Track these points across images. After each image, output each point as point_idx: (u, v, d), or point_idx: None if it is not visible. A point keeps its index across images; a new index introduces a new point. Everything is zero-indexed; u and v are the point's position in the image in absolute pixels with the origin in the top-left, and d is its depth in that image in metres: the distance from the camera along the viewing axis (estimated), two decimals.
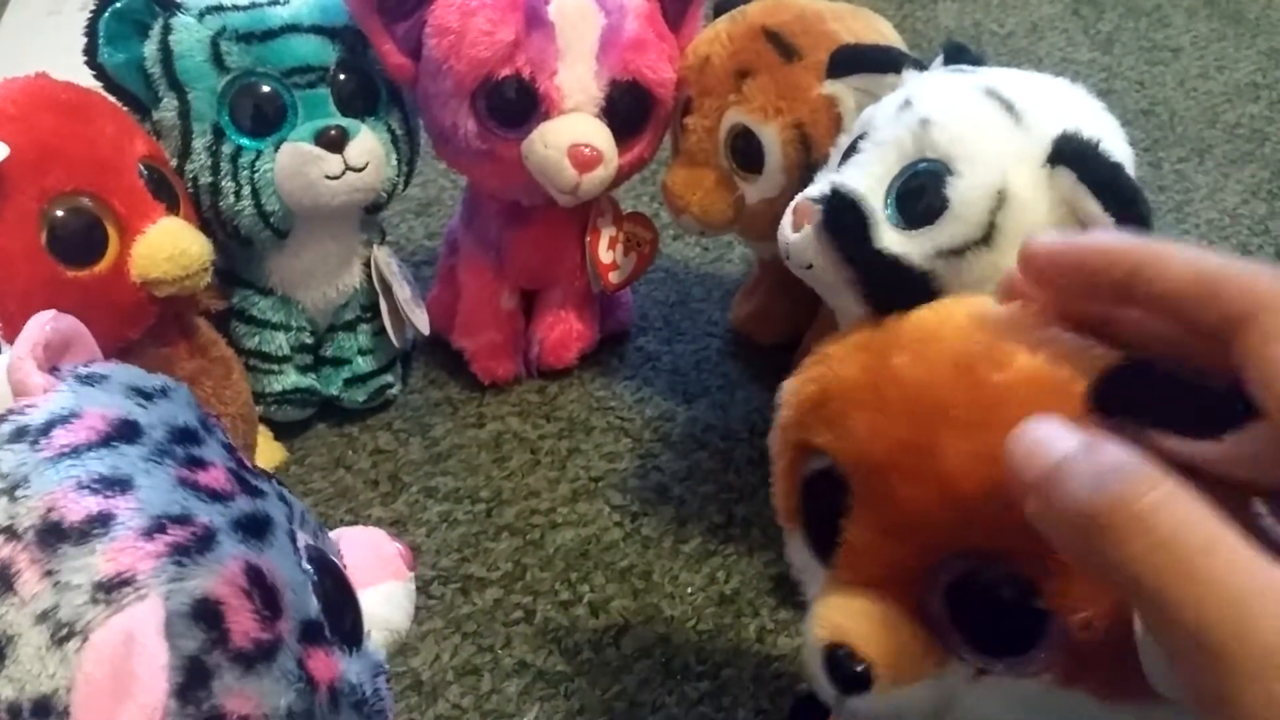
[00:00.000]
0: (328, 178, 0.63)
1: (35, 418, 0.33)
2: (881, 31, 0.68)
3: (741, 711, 0.57)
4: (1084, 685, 0.34)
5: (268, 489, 0.36)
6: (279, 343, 0.71)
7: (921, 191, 0.52)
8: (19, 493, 0.31)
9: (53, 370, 0.36)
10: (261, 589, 0.31)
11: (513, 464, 0.73)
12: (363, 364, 0.75)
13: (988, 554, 0.34)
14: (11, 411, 0.34)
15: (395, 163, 0.68)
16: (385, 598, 0.40)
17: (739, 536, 0.67)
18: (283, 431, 0.74)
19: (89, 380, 0.35)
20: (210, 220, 0.64)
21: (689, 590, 0.64)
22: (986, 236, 0.51)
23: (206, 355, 0.64)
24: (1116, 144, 0.51)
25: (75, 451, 0.32)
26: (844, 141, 0.58)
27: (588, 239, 0.76)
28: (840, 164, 0.56)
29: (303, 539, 0.36)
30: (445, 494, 0.70)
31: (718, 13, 0.71)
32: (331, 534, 0.40)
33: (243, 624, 0.30)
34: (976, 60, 0.59)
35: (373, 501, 0.70)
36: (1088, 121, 0.51)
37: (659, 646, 0.60)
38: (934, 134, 0.52)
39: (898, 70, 0.59)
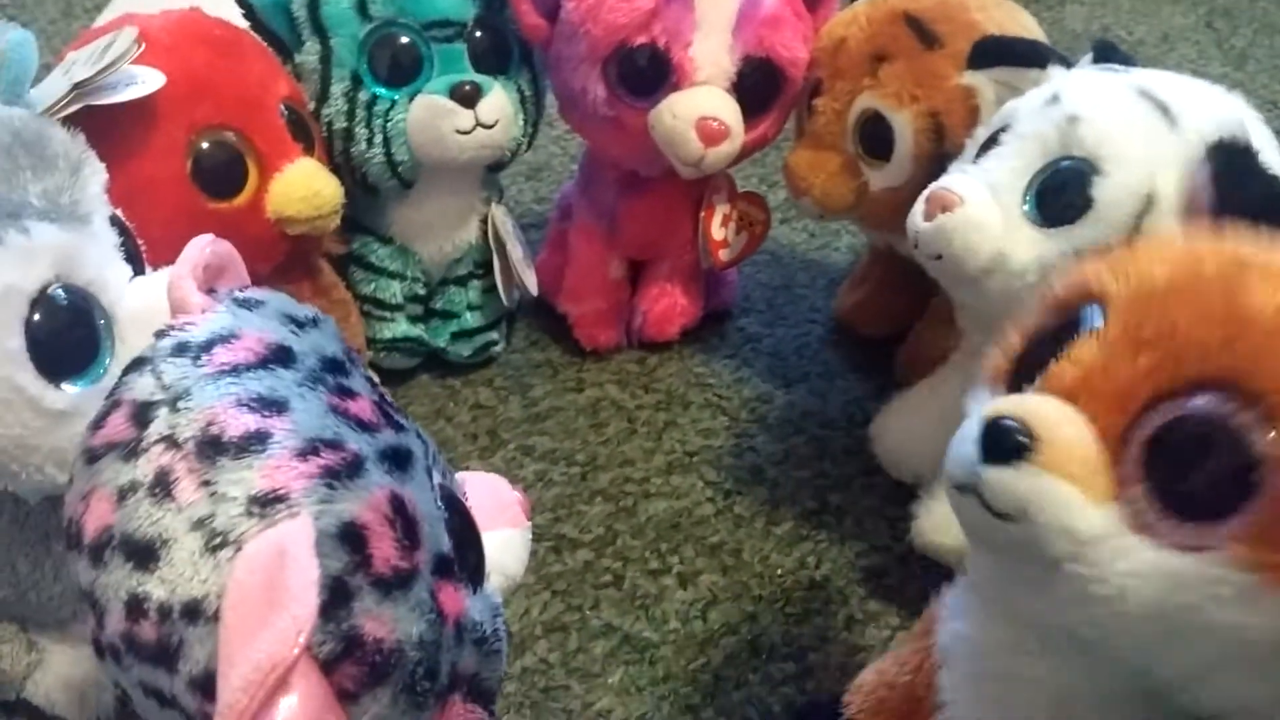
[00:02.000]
0: (458, 132, 0.64)
1: (197, 335, 0.34)
2: (1024, 25, 0.67)
3: (825, 697, 0.57)
4: (1272, 570, 0.30)
5: (408, 425, 0.37)
6: (393, 291, 0.73)
7: (1063, 189, 0.51)
8: (180, 404, 0.32)
9: (209, 292, 0.37)
10: (403, 519, 0.32)
11: (609, 430, 0.73)
12: (471, 319, 0.76)
13: (1233, 386, 0.31)
14: (173, 327, 0.35)
15: (522, 122, 0.69)
16: (503, 543, 0.41)
17: (832, 524, 0.67)
18: (388, 379, 0.75)
19: (246, 304, 0.36)
20: (340, 165, 0.66)
21: (779, 572, 0.64)
22: (1129, 240, 0.49)
23: (328, 296, 0.65)
24: (1272, 155, 0.49)
25: (235, 370, 0.33)
26: (982, 134, 0.57)
27: (702, 214, 0.76)
28: (977, 156, 0.56)
29: (436, 476, 0.36)
30: (542, 454, 0.71)
31: None
32: (457, 476, 0.41)
33: (384, 551, 0.31)
34: (1127, 60, 0.58)
35: (471, 455, 0.71)
36: (1243, 129, 0.49)
37: (746, 624, 0.61)
38: (1082, 131, 0.51)
39: (1043, 65, 0.57)
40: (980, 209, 0.52)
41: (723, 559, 0.65)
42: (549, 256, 0.81)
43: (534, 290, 0.76)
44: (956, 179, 0.54)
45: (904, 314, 0.77)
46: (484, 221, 0.74)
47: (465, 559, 0.36)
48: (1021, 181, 0.52)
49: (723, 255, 0.77)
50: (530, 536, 0.43)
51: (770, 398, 0.77)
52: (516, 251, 0.75)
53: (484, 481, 0.42)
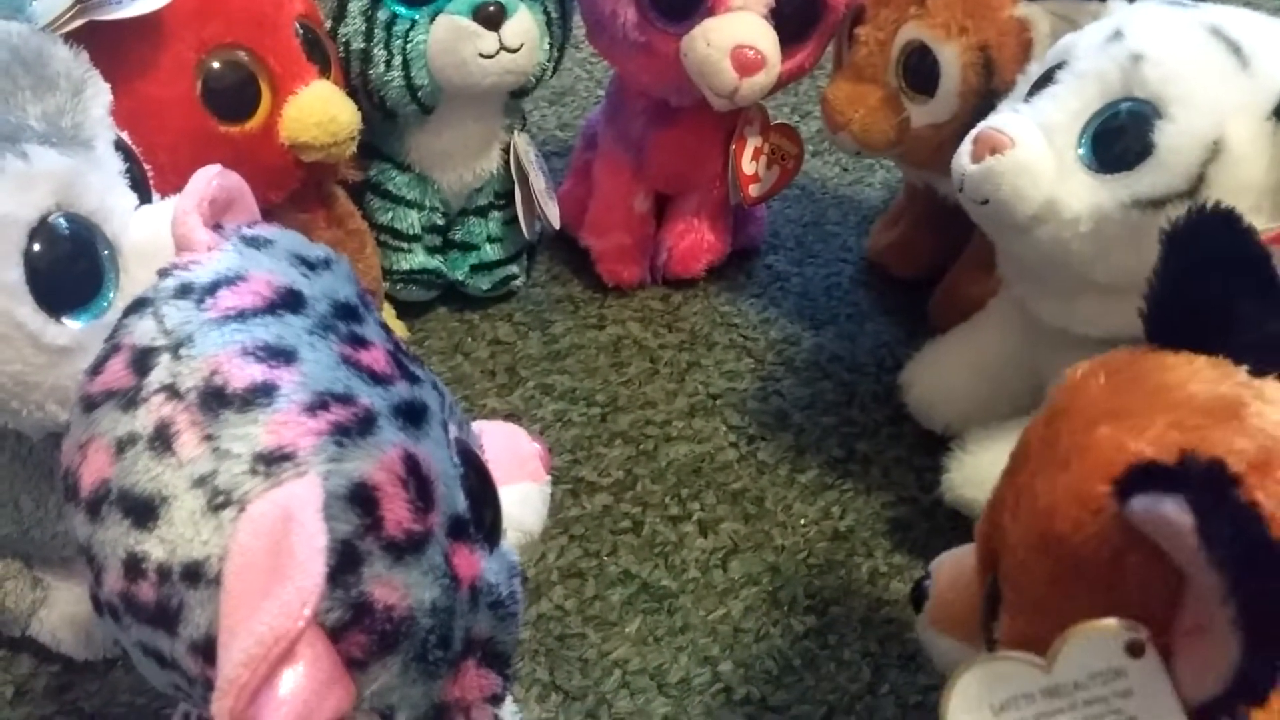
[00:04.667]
0: (481, 55, 0.61)
1: (201, 275, 0.32)
2: None
3: (847, 652, 0.56)
4: None
5: (423, 375, 0.35)
6: (411, 220, 0.70)
7: (1122, 133, 0.48)
8: (183, 351, 0.30)
9: (216, 228, 0.35)
10: (417, 479, 0.30)
11: (631, 370, 0.71)
12: (490, 251, 0.74)
13: None
14: (176, 266, 0.33)
15: (548, 46, 0.66)
16: (521, 498, 0.39)
17: (858, 473, 0.65)
18: (405, 311, 0.73)
19: (254, 243, 0.34)
20: (358, 88, 0.63)
21: (802, 522, 0.62)
22: (1192, 190, 0.46)
23: (343, 226, 0.63)
24: None
25: (241, 316, 0.31)
26: (1035, 70, 0.54)
27: (733, 147, 0.73)
28: (1029, 95, 0.52)
29: (451, 430, 0.35)
30: (561, 393, 0.69)
31: None
32: (474, 426, 0.39)
33: (397, 513, 0.30)
34: None
35: (489, 392, 0.69)
36: None
37: (767, 575, 0.59)
38: (1146, 71, 0.47)
39: None
40: (1032, 152, 0.49)
41: (745, 507, 0.63)
42: (572, 187, 0.79)
43: (556, 223, 0.74)
44: (1007, 119, 0.51)
45: (939, 256, 0.75)
46: (506, 150, 0.71)
47: (481, 517, 0.34)
48: (1077, 123, 0.49)
49: (753, 190, 0.74)
50: (550, 490, 0.41)
51: (797, 340, 0.74)
52: (539, 182, 0.72)
53: (502, 432, 0.41)
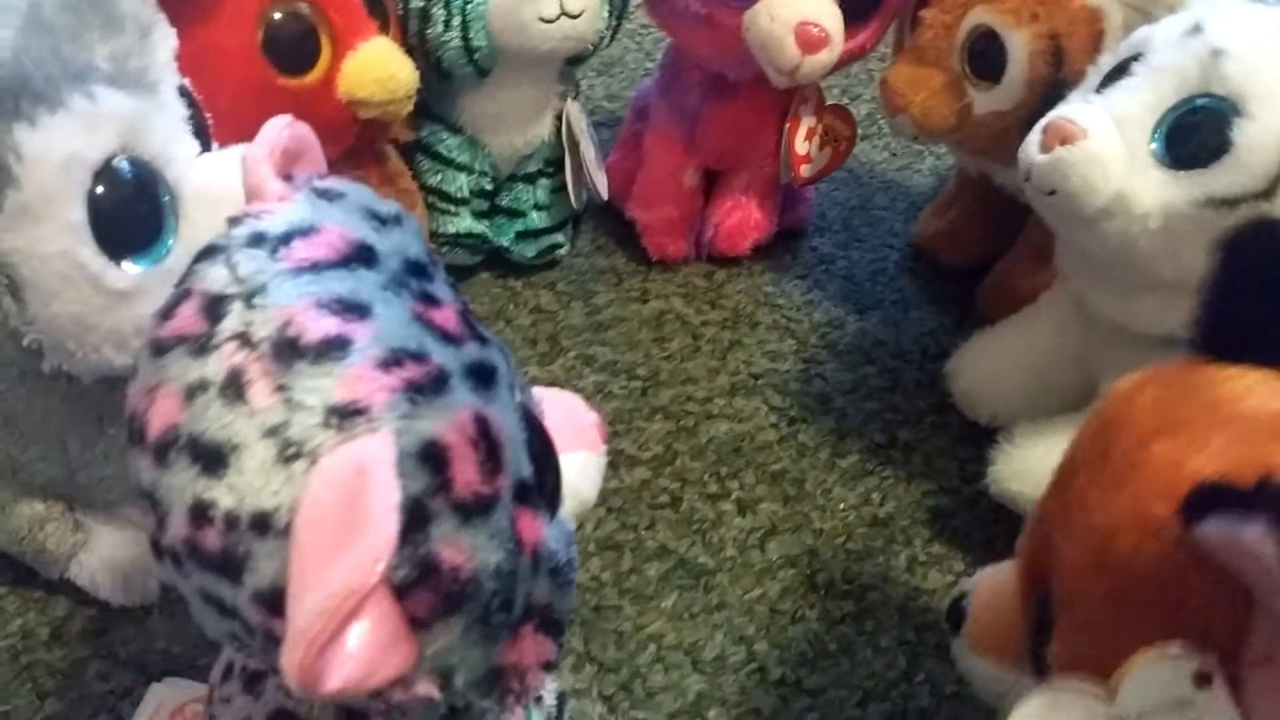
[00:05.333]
0: (542, 20, 0.61)
1: (274, 225, 0.32)
2: None
3: (884, 639, 0.55)
4: None
5: (490, 337, 0.34)
6: (460, 183, 0.70)
7: (1198, 129, 0.47)
8: (256, 300, 0.30)
9: (285, 179, 0.35)
10: (487, 441, 0.30)
11: (673, 346, 0.71)
12: (537, 219, 0.73)
13: None
14: (248, 214, 0.33)
15: (607, 14, 0.65)
16: (579, 466, 0.39)
17: (899, 460, 0.65)
18: (449, 274, 0.73)
19: (326, 195, 0.34)
20: (415, 47, 0.62)
21: (841, 506, 0.62)
22: (1269, 190, 0.46)
23: (395, 185, 0.63)
24: None
25: (315, 268, 0.31)
26: (1107, 61, 0.53)
27: (786, 126, 0.72)
28: (1101, 86, 0.51)
29: (515, 394, 0.34)
30: (603, 365, 0.69)
31: None
32: (533, 392, 0.39)
33: (466, 474, 0.29)
34: None
35: (530, 360, 0.69)
36: None
37: (805, 557, 0.59)
38: (1226, 67, 0.46)
39: None
40: (1104, 144, 0.48)
41: (784, 488, 0.63)
42: (621, 158, 0.78)
43: (604, 193, 0.73)
44: (1079, 109, 0.50)
45: (988, 245, 0.74)
46: (558, 118, 0.71)
47: (544, 483, 0.34)
48: (1151, 117, 0.48)
49: (804, 171, 0.73)
50: (604, 461, 0.41)
51: (841, 323, 0.74)
52: (589, 151, 0.72)
53: (561, 400, 0.40)
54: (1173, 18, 0.50)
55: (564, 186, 0.72)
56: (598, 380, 0.68)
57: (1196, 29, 0.48)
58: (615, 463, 0.63)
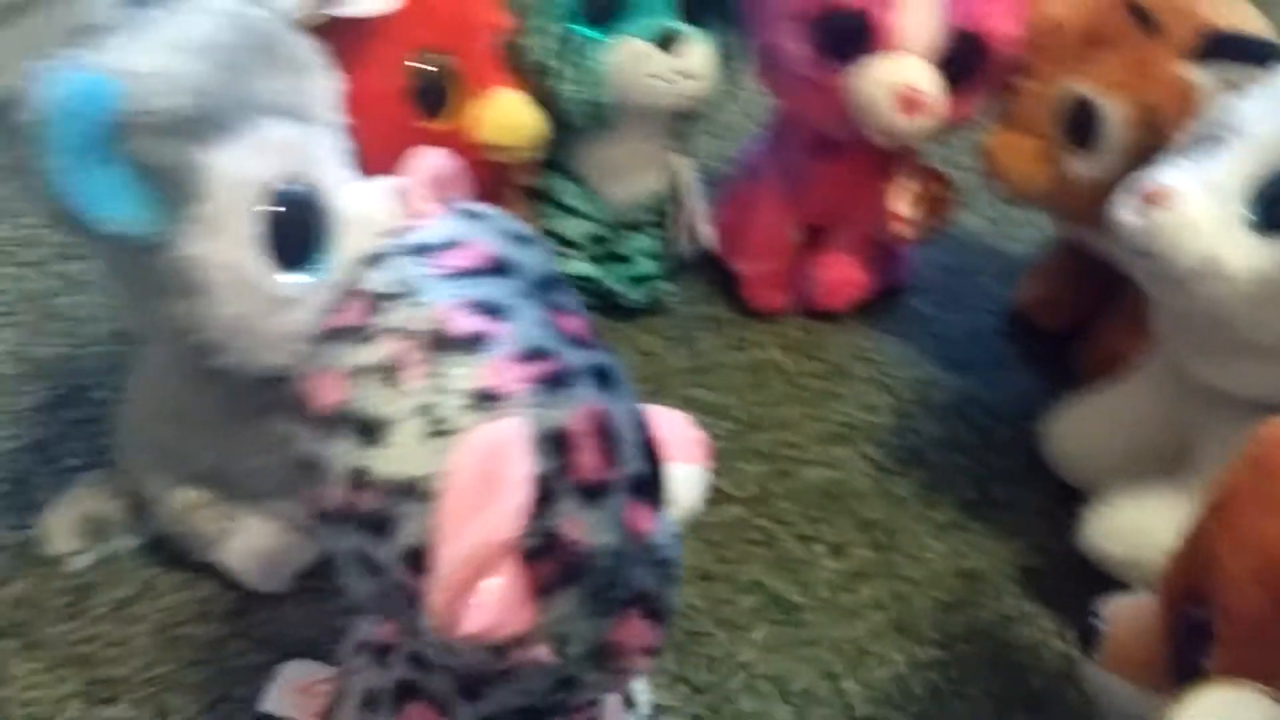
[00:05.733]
0: (659, 78, 0.65)
1: (430, 238, 0.36)
2: (1251, 20, 0.63)
3: (972, 689, 0.56)
4: None
5: (608, 348, 0.38)
6: (575, 229, 0.74)
7: None
8: (414, 299, 0.34)
9: (439, 201, 0.39)
10: (606, 433, 0.33)
11: (770, 393, 0.74)
12: (645, 266, 0.77)
13: None
14: (407, 228, 0.37)
15: (719, 76, 0.69)
16: (684, 477, 0.41)
17: (990, 517, 0.66)
18: None
19: (474, 215, 0.38)
20: (541, 99, 0.67)
21: (931, 557, 0.63)
22: None
23: None
24: None
25: (463, 274, 0.35)
26: (1199, 130, 0.54)
27: (887, 186, 0.75)
28: (1193, 152, 0.53)
29: (633, 401, 0.37)
30: (702, 406, 0.72)
31: None
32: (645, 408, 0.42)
33: (588, 460, 0.32)
34: None
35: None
36: None
37: (895, 603, 0.60)
38: None
39: (1275, 65, 0.54)
40: (1195, 207, 0.50)
41: (875, 535, 0.64)
42: (726, 212, 0.81)
43: (710, 244, 0.77)
44: (1171, 173, 0.52)
45: (1085, 311, 0.75)
46: (669, 171, 0.75)
47: (654, 483, 0.37)
48: (1244, 184, 0.50)
49: (904, 230, 0.76)
50: (706, 476, 0.43)
51: (936, 380, 0.75)
52: (697, 204, 0.76)
53: (669, 416, 0.43)
54: (1263, 89, 0.52)
55: (672, 236, 0.76)
56: (697, 421, 0.70)
57: None
58: (712, 499, 0.64)
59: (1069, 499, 0.63)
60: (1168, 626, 0.40)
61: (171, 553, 0.59)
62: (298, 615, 0.57)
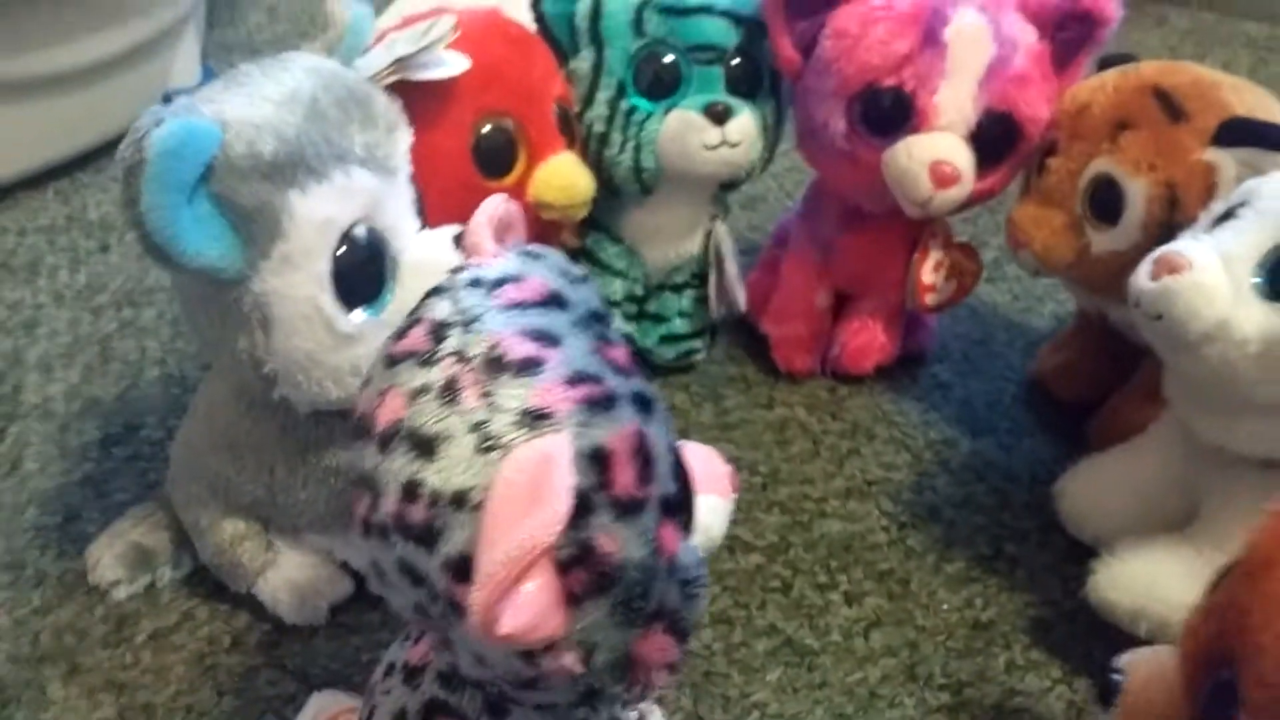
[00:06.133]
0: (705, 147, 0.70)
1: (489, 273, 0.40)
2: (1273, 110, 0.67)
3: None
4: None
5: (649, 379, 0.41)
6: (615, 288, 0.78)
7: None
8: (473, 327, 0.38)
9: (498, 243, 0.43)
10: (643, 454, 0.36)
11: (793, 449, 0.77)
12: (679, 325, 0.81)
13: None
14: (470, 265, 0.41)
15: (761, 146, 0.73)
16: (710, 507, 0.44)
17: (1004, 571, 0.68)
18: None
19: (530, 255, 0.42)
20: (592, 165, 0.72)
21: (944, 607, 0.65)
22: None
23: None
24: None
25: (520, 306, 0.38)
26: (1218, 208, 0.58)
27: (915, 256, 0.78)
28: (1211, 228, 0.56)
29: (669, 429, 0.41)
30: (727, 459, 0.74)
31: (1100, 67, 0.71)
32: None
33: (625, 478, 0.36)
34: None
35: None
36: None
37: (906, 650, 0.62)
38: None
39: None
40: (1208, 274, 0.53)
41: (890, 586, 0.66)
42: (759, 278, 0.85)
43: (742, 306, 0.81)
44: (1187, 244, 0.55)
45: (1104, 383, 0.78)
46: (707, 236, 0.79)
47: (683, 508, 0.40)
48: (1255, 255, 0.53)
49: (929, 300, 0.79)
50: (733, 508, 0.46)
51: (955, 443, 0.78)
52: (732, 268, 0.80)
53: (700, 450, 0.46)
54: (1277, 172, 0.56)
55: (706, 298, 0.80)
56: None
57: None
58: (733, 547, 0.68)
59: (1080, 557, 0.65)
60: (1191, 684, 0.40)
61: (211, 584, 0.63)
62: (329, 648, 0.60)
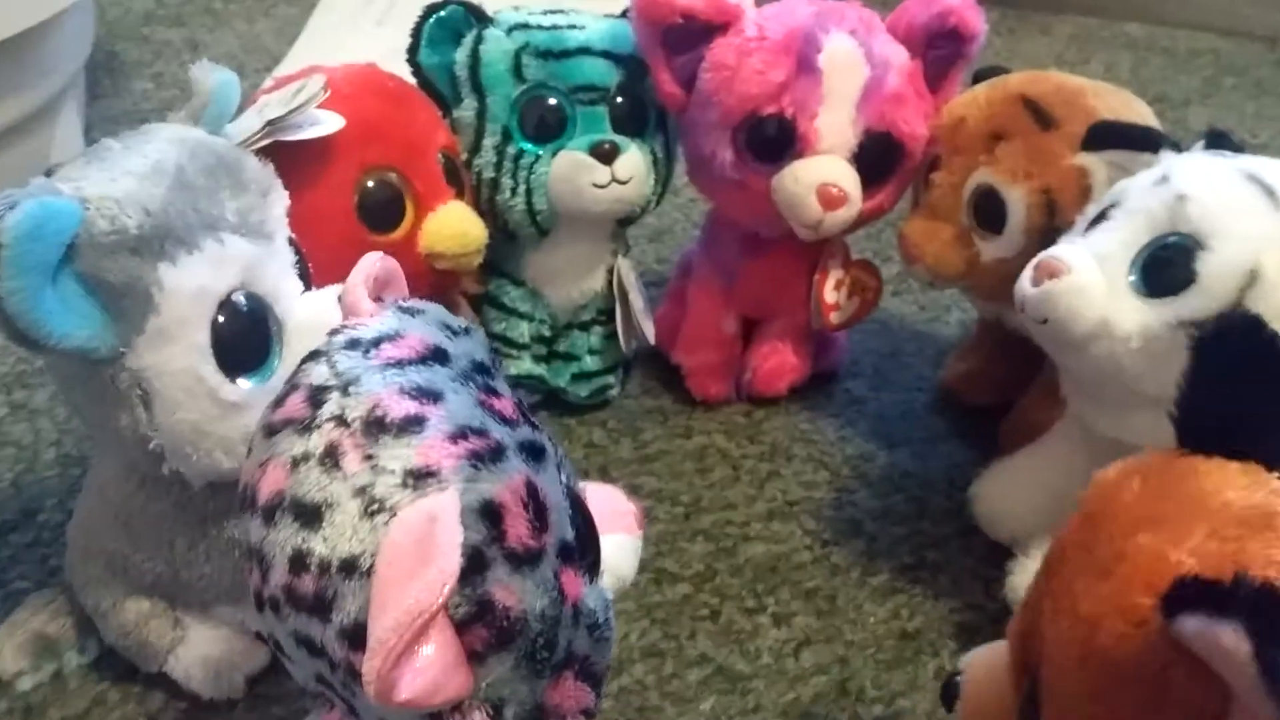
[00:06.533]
0: (595, 186, 0.70)
1: (367, 333, 0.40)
2: (1139, 111, 0.69)
3: None
4: None
5: (541, 427, 0.41)
6: (522, 330, 0.78)
7: (1169, 263, 0.53)
8: (351, 389, 0.37)
9: (377, 300, 0.43)
10: (535, 504, 0.36)
11: (714, 476, 0.77)
12: (590, 363, 0.81)
13: None
14: (346, 326, 0.41)
15: (653, 182, 0.74)
16: (617, 546, 0.44)
17: (927, 580, 0.68)
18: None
19: (409, 311, 0.41)
20: (485, 211, 0.71)
21: (872, 620, 0.66)
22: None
23: None
24: None
25: (399, 364, 0.38)
26: (1092, 210, 0.59)
27: (816, 277, 0.79)
28: (1087, 230, 0.58)
29: (563, 476, 0.40)
30: (649, 492, 0.75)
31: (975, 80, 0.73)
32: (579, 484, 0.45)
33: (518, 529, 0.35)
34: (1237, 148, 0.60)
35: None
36: None
37: (837, 666, 0.62)
38: (1189, 209, 0.53)
39: (1155, 150, 0.60)
40: (1086, 276, 0.54)
41: (817, 603, 0.67)
42: (668, 310, 0.86)
43: (651, 340, 0.81)
44: (1065, 248, 0.56)
45: (1010, 386, 0.79)
46: (610, 272, 0.79)
47: (585, 551, 0.39)
48: (1128, 254, 0.55)
49: (834, 318, 0.80)
50: (641, 545, 0.46)
51: (872, 456, 0.79)
52: (638, 302, 0.80)
53: (603, 490, 0.46)
54: (1145, 171, 0.58)
55: (615, 334, 0.80)
56: (644, 506, 0.73)
57: (1164, 179, 0.55)
58: (659, 579, 0.68)
59: (1000, 560, 0.65)
60: (1016, 684, 0.40)
61: (121, 667, 0.60)
62: None
